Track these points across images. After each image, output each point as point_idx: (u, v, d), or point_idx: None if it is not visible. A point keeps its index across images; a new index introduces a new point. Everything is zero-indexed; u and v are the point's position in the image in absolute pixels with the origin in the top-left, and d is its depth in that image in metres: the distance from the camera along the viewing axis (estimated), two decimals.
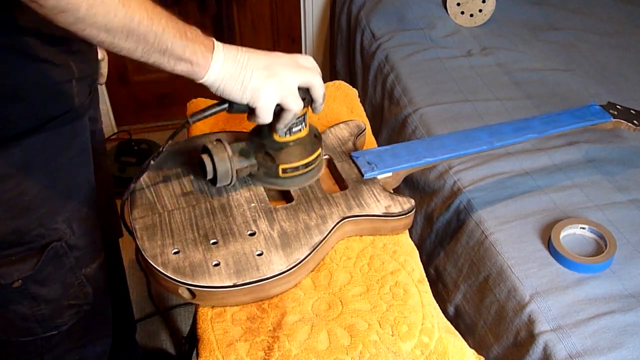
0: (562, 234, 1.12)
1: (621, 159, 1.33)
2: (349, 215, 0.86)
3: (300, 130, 0.85)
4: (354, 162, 0.95)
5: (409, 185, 1.45)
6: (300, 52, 2.47)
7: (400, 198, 0.89)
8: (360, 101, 1.20)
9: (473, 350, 0.80)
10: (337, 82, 1.22)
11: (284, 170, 0.87)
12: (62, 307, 0.92)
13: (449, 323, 0.83)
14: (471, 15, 1.90)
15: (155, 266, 0.78)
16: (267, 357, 0.74)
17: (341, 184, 0.93)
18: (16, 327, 0.91)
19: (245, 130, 1.02)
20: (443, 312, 0.85)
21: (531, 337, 1.00)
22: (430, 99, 1.57)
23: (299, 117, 0.83)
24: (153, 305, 1.71)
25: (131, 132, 2.38)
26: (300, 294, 0.81)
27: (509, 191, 1.25)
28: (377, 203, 0.88)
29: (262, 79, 0.75)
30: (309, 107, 0.83)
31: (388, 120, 1.66)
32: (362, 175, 0.92)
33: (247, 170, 0.86)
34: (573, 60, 1.73)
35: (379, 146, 1.01)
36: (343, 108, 1.14)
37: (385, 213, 0.87)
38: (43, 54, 0.77)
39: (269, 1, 2.31)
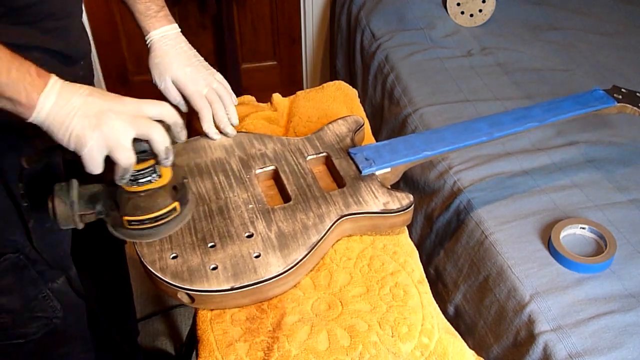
0: (562, 234, 1.12)
1: (621, 159, 1.33)
2: (346, 213, 0.85)
3: (149, 181, 0.78)
4: (352, 158, 0.94)
5: (409, 185, 1.45)
6: (300, 52, 2.47)
7: (398, 194, 0.89)
8: (360, 101, 1.20)
9: (473, 352, 0.80)
10: (337, 82, 1.22)
11: (130, 222, 0.79)
12: (25, 318, 0.92)
13: (448, 324, 0.83)
14: (471, 15, 1.90)
15: (153, 271, 0.77)
16: (266, 358, 0.74)
17: (339, 181, 0.93)
18: None
19: (243, 131, 1.02)
20: (443, 312, 0.85)
21: (531, 337, 1.00)
22: (430, 99, 1.57)
23: (145, 169, 0.77)
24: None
25: None
26: (300, 295, 0.81)
27: (509, 191, 1.25)
28: (375, 200, 0.88)
29: (87, 128, 0.70)
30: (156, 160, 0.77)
31: (388, 120, 1.66)
32: (360, 172, 0.92)
33: (92, 217, 0.80)
34: (573, 60, 1.73)
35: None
36: (343, 108, 1.14)
37: (383, 210, 0.87)
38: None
39: (269, 1, 2.31)
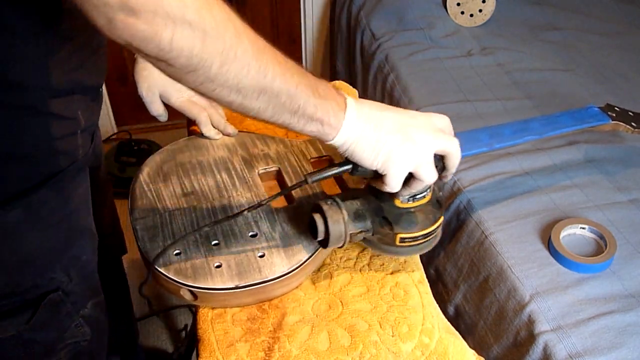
0: (562, 234, 1.12)
1: (621, 159, 1.33)
2: None
3: (424, 197, 0.77)
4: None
5: None
6: (300, 52, 2.47)
7: None
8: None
9: (473, 351, 0.80)
10: (337, 82, 1.22)
11: (402, 240, 0.78)
12: (58, 348, 0.89)
13: (449, 324, 0.83)
14: (471, 15, 1.90)
15: (156, 267, 0.78)
16: (267, 358, 0.74)
17: (341, 184, 0.93)
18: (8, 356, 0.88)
19: (245, 130, 1.02)
20: (443, 312, 0.85)
21: (531, 337, 1.00)
22: (430, 99, 1.57)
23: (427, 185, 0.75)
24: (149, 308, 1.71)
25: (131, 132, 2.38)
26: (300, 295, 0.81)
27: (509, 191, 1.25)
28: None
29: (397, 145, 0.66)
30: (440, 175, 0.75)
31: None
32: None
33: (360, 236, 0.78)
34: (573, 60, 1.74)
35: None
36: None
37: None
38: (50, 108, 0.72)
39: (269, 1, 2.31)
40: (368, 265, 0.85)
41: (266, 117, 0.63)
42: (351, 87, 1.22)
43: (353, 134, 0.66)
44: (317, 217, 0.76)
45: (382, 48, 1.82)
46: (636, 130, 1.13)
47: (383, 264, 0.85)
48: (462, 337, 0.83)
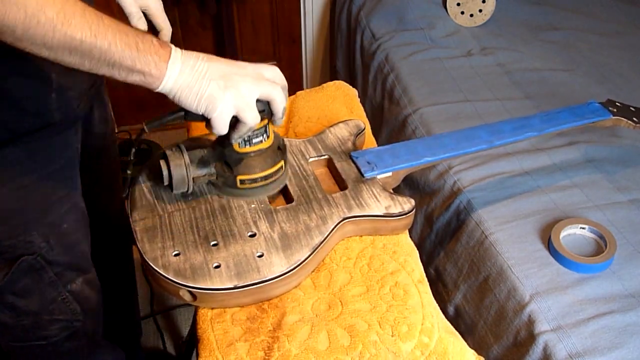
0: (562, 234, 1.12)
1: (621, 159, 1.33)
2: (349, 215, 0.86)
3: (261, 141, 0.83)
4: (353, 162, 0.95)
5: (409, 185, 1.45)
6: (300, 52, 2.47)
7: (400, 198, 0.89)
8: (360, 101, 1.20)
9: (473, 351, 0.80)
10: (337, 82, 1.22)
11: (242, 182, 0.85)
12: (45, 320, 0.92)
13: (448, 323, 0.83)
14: (471, 15, 1.90)
15: (156, 268, 0.78)
16: (267, 357, 0.74)
17: (341, 184, 0.93)
18: (6, 333, 0.92)
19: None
20: (443, 312, 0.85)
21: (531, 337, 1.00)
22: (430, 99, 1.57)
23: (259, 129, 0.81)
24: (151, 312, 1.71)
25: (131, 132, 2.38)
26: (300, 294, 0.81)
27: (509, 191, 1.25)
28: (377, 203, 0.88)
29: (218, 90, 0.73)
30: (270, 120, 0.82)
31: (388, 120, 1.66)
32: (362, 175, 0.92)
33: (204, 179, 0.85)
34: (573, 60, 1.73)
35: (378, 146, 1.01)
36: (343, 108, 1.15)
37: (385, 213, 0.87)
38: (14, 62, 0.75)
39: (269, 1, 2.31)
40: (368, 265, 0.85)
41: (85, 69, 0.68)
42: (351, 87, 1.22)
43: (177, 82, 0.71)
44: (162, 163, 0.82)
45: (382, 48, 1.82)
46: (638, 125, 1.13)
47: (383, 264, 0.85)
48: (462, 337, 0.82)
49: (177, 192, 0.84)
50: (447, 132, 1.04)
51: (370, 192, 0.90)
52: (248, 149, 0.83)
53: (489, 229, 1.17)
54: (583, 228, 1.14)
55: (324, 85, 1.21)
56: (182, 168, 0.82)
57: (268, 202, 0.87)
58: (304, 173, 0.92)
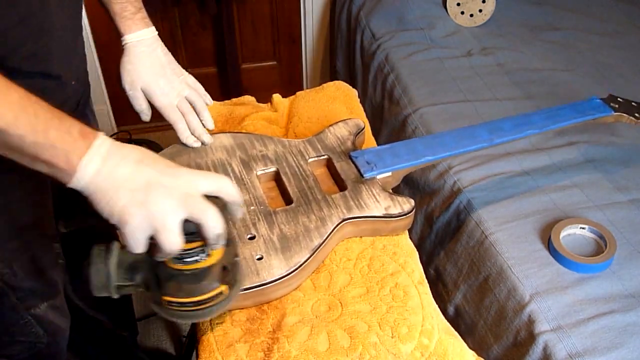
0: (562, 234, 1.12)
1: (621, 159, 1.33)
2: (348, 216, 0.86)
3: (196, 261, 0.69)
4: (353, 162, 0.94)
5: (409, 185, 1.45)
6: (299, 52, 2.47)
7: (400, 198, 0.89)
8: (360, 101, 1.20)
9: (473, 352, 0.80)
10: (337, 82, 1.22)
11: (169, 303, 0.70)
12: (6, 341, 0.88)
13: (448, 325, 0.83)
14: (471, 15, 1.90)
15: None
16: (266, 358, 0.74)
17: (340, 184, 0.93)
18: None
19: (244, 132, 1.02)
20: (443, 312, 0.85)
21: (531, 337, 1.00)
22: (430, 99, 1.57)
23: (194, 249, 0.68)
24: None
25: (131, 132, 2.38)
26: (300, 295, 0.81)
27: (509, 191, 1.25)
28: (377, 204, 0.88)
29: (132, 205, 0.62)
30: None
31: (388, 120, 1.66)
32: (362, 176, 0.92)
33: (131, 289, 0.71)
34: (573, 60, 1.73)
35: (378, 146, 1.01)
36: (343, 108, 1.14)
37: (385, 214, 0.87)
38: None
39: (269, 1, 2.31)
40: (368, 266, 0.85)
41: None
42: (351, 87, 1.22)
43: (91, 183, 0.62)
44: (85, 264, 0.69)
45: (382, 48, 1.82)
46: (639, 121, 1.12)
47: (383, 265, 0.85)
48: (462, 337, 0.82)
49: (98, 295, 0.71)
50: (447, 131, 1.04)
51: (370, 193, 0.90)
52: (181, 266, 0.69)
53: (489, 229, 1.17)
54: (583, 228, 1.14)
55: (324, 85, 1.20)
56: (100, 274, 0.69)
57: (267, 204, 0.87)
58: (304, 174, 0.92)
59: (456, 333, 0.82)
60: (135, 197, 0.62)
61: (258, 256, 0.79)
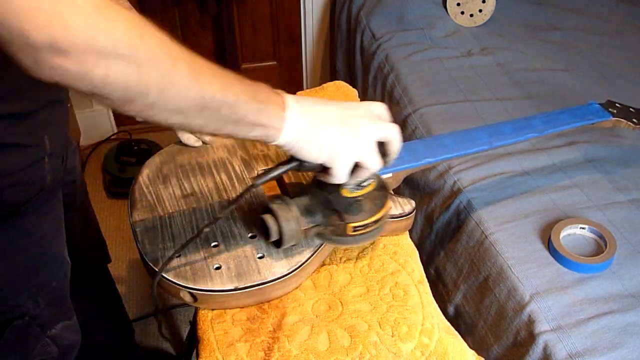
0: (562, 234, 1.12)
1: (621, 159, 1.33)
2: None
3: (369, 184, 0.77)
4: None
5: (409, 185, 1.45)
6: (299, 52, 2.47)
7: (400, 199, 0.89)
8: (360, 101, 1.20)
9: (473, 351, 0.80)
10: (337, 82, 1.22)
11: (355, 229, 0.77)
12: None
13: (449, 324, 0.83)
14: (471, 15, 1.90)
15: (156, 270, 0.77)
16: (267, 358, 0.74)
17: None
18: None
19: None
20: (443, 312, 0.85)
21: (531, 337, 1.00)
22: (430, 99, 1.57)
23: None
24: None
25: (131, 132, 2.38)
26: (300, 295, 0.81)
27: (509, 191, 1.25)
28: None
29: (340, 136, 0.67)
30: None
31: None
32: None
33: (314, 230, 0.79)
34: (573, 60, 1.74)
35: None
36: None
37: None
38: (10, 139, 0.69)
39: (269, 1, 2.31)
40: (368, 265, 0.85)
41: (209, 131, 0.63)
42: (351, 87, 1.22)
43: (296, 132, 0.66)
44: (268, 218, 0.76)
45: (382, 48, 1.82)
46: (637, 126, 1.13)
47: (383, 264, 0.85)
48: (462, 337, 0.82)
49: (286, 246, 0.77)
50: (447, 133, 1.04)
51: None
52: (357, 193, 0.76)
53: (489, 229, 1.17)
54: (583, 228, 1.14)
55: (324, 85, 1.20)
56: (292, 222, 0.75)
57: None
58: (305, 173, 0.92)
59: (456, 332, 0.82)
60: (339, 130, 0.67)
61: (259, 255, 0.79)
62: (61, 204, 0.87)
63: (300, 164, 0.70)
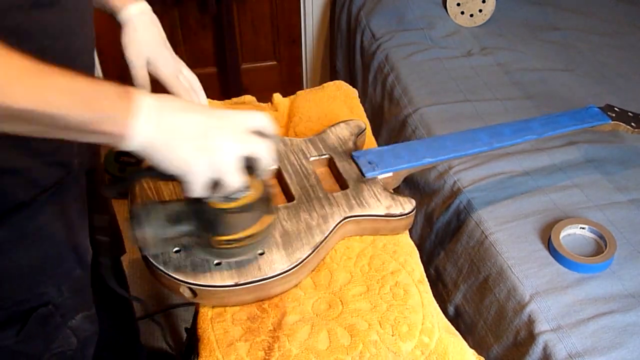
0: (562, 234, 1.12)
1: (621, 159, 1.33)
2: (350, 215, 0.86)
3: (245, 196, 0.71)
4: (354, 161, 0.95)
5: (409, 185, 1.45)
6: (299, 52, 2.47)
7: (401, 198, 0.89)
8: (360, 101, 1.20)
9: (473, 351, 0.80)
10: (337, 82, 1.22)
11: (221, 242, 0.73)
12: (43, 358, 0.88)
13: (449, 323, 0.83)
14: (471, 15, 1.90)
15: (156, 265, 0.77)
16: (267, 357, 0.74)
17: (342, 183, 0.93)
18: None
19: None
20: (443, 312, 0.85)
21: (531, 337, 1.00)
22: (430, 99, 1.57)
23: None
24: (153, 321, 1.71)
25: None
26: (300, 294, 0.81)
27: (509, 191, 1.25)
28: (378, 203, 0.88)
29: (194, 152, 0.63)
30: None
31: (388, 120, 1.66)
32: (363, 175, 0.92)
33: (179, 240, 0.75)
34: (573, 60, 1.74)
35: (379, 146, 1.01)
36: (343, 108, 1.15)
37: (386, 214, 0.87)
38: None
39: (269, 1, 2.31)
40: (368, 264, 0.85)
41: (39, 136, 0.60)
42: (351, 87, 1.22)
43: (147, 141, 0.62)
44: (130, 224, 0.71)
45: (382, 48, 1.82)
46: (636, 130, 1.14)
47: (383, 263, 0.85)
48: (462, 337, 0.82)
49: (148, 253, 0.75)
50: (448, 134, 1.05)
51: (371, 192, 0.90)
52: (226, 205, 0.70)
53: (489, 229, 1.17)
54: (583, 228, 1.14)
55: (324, 85, 1.21)
56: (149, 230, 0.71)
57: None
58: (305, 172, 0.92)
59: (456, 332, 0.82)
60: (194, 144, 0.63)
61: (260, 251, 0.79)
62: (84, 192, 0.87)
63: (160, 173, 0.65)
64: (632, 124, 1.14)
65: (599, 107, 1.13)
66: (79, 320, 0.90)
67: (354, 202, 0.88)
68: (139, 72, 0.90)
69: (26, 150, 0.71)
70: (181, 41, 2.29)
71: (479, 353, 0.82)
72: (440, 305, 0.85)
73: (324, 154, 0.96)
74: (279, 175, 0.93)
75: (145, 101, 0.62)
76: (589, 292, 1.04)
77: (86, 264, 0.89)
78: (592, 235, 1.14)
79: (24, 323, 0.79)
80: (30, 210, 0.74)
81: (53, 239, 0.80)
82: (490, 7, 1.90)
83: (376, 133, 1.69)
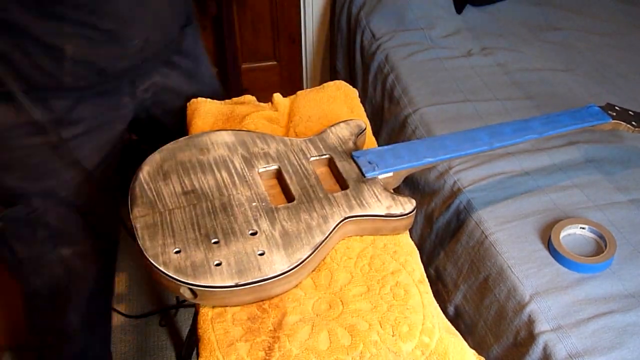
0: (562, 234, 1.12)
1: (621, 159, 1.33)
2: (350, 215, 0.86)
3: None
4: (354, 161, 0.95)
5: (409, 185, 1.45)
6: (299, 52, 2.47)
7: (401, 198, 0.89)
8: (360, 101, 1.20)
9: (473, 351, 0.80)
10: (337, 82, 1.22)
11: None
12: (31, 268, 1.02)
13: (449, 323, 0.83)
14: None
15: (156, 265, 0.77)
16: (267, 357, 0.74)
17: (342, 183, 0.93)
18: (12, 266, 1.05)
19: (245, 129, 1.02)
20: (443, 312, 0.85)
21: (531, 337, 1.00)
22: (430, 99, 1.57)
23: None
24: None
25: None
26: (300, 294, 0.81)
27: (509, 191, 1.25)
28: (379, 203, 0.88)
29: None
30: None
31: (388, 120, 1.66)
32: (363, 175, 0.92)
33: None
34: (573, 60, 1.74)
35: (379, 146, 1.02)
36: (343, 108, 1.14)
37: (387, 214, 0.87)
38: (35, 31, 0.81)
39: (269, 1, 2.31)
40: (368, 264, 0.85)
41: None
42: (351, 86, 1.22)
43: None
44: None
45: (382, 48, 1.82)
46: (636, 129, 1.14)
47: (383, 264, 0.85)
48: (462, 337, 0.82)
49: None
50: (448, 134, 1.05)
51: (372, 192, 0.90)
52: None
53: (489, 229, 1.17)
54: (583, 228, 1.14)
55: (324, 85, 1.20)
56: None
57: (269, 201, 0.87)
58: (305, 172, 0.92)
59: (457, 332, 0.82)
60: None
61: (260, 252, 0.79)
62: (94, 122, 1.00)
63: None
64: (633, 123, 1.14)
65: (599, 106, 1.13)
66: (70, 254, 1.03)
67: (354, 202, 0.88)
68: None
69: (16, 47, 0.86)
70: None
71: (479, 353, 0.82)
72: (440, 305, 0.85)
73: (324, 154, 0.96)
74: (279, 175, 0.93)
75: None
76: (589, 292, 1.04)
77: (74, 195, 1.01)
78: (592, 235, 1.14)
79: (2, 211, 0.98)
80: (18, 100, 0.90)
81: (47, 148, 0.95)
82: None
83: (376, 133, 1.69)
